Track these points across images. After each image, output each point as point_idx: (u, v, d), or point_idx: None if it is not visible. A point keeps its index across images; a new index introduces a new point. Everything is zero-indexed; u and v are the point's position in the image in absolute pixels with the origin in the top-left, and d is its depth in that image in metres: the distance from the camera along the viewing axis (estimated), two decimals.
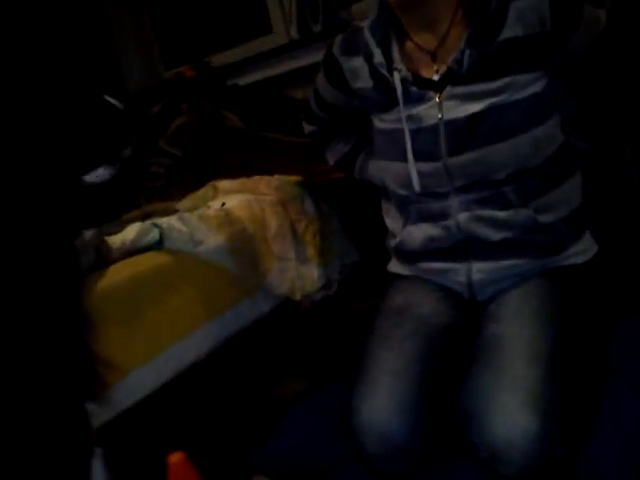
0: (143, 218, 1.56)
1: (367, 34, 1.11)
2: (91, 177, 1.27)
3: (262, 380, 1.66)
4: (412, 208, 1.15)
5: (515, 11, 0.98)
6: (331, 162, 1.43)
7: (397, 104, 1.08)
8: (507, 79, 1.01)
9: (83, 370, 1.08)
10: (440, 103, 1.05)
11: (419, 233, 1.15)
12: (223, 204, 1.66)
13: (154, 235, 1.37)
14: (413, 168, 1.08)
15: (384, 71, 1.09)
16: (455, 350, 1.07)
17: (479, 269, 1.11)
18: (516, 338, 0.98)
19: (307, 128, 1.44)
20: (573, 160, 1.14)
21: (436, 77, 1.06)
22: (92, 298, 1.16)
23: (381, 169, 1.19)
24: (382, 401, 0.98)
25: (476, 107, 1.02)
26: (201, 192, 1.87)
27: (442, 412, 1.01)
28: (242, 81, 2.25)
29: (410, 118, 1.07)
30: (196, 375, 1.37)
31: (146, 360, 1.23)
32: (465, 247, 1.11)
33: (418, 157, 1.07)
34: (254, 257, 1.52)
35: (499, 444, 0.87)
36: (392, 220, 1.23)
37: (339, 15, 2.08)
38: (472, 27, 1.01)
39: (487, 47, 1.00)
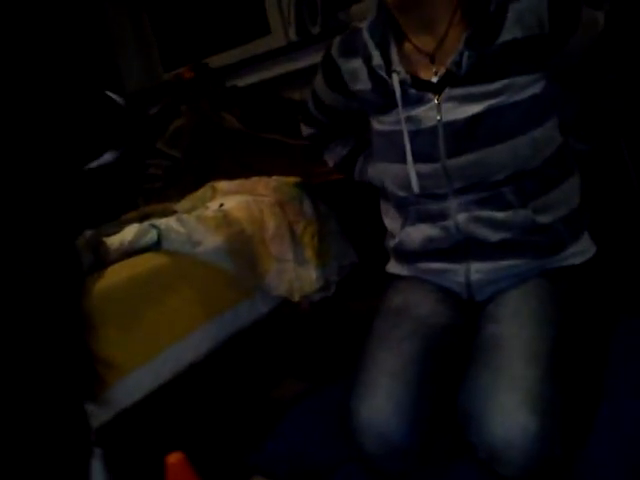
0: (141, 219, 1.56)
1: (366, 35, 1.12)
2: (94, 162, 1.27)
3: (260, 381, 1.66)
4: (411, 209, 1.15)
5: (514, 13, 0.99)
6: (330, 164, 1.43)
7: (396, 106, 1.08)
8: (506, 81, 1.01)
9: (82, 370, 1.08)
10: (439, 105, 1.05)
11: (418, 234, 1.15)
12: (221, 205, 1.66)
13: (152, 236, 1.37)
14: (412, 170, 1.08)
15: (383, 73, 1.09)
16: (454, 350, 1.07)
17: (477, 269, 1.11)
18: (515, 339, 0.98)
19: (305, 130, 1.43)
20: (571, 161, 1.14)
21: (435, 79, 1.06)
22: (91, 299, 1.16)
23: (380, 171, 1.19)
24: (381, 402, 0.98)
25: (475, 109, 1.02)
26: (199, 193, 1.87)
27: (441, 412, 1.01)
28: (241, 83, 2.25)
29: (409, 120, 1.08)
30: (195, 376, 1.37)
31: (145, 361, 1.23)
32: (464, 248, 1.11)
33: (417, 159, 1.07)
34: (252, 258, 1.52)
35: (498, 444, 0.87)
36: (391, 220, 1.23)
37: (338, 17, 2.09)
38: (471, 29, 1.01)
39: (486, 49, 1.00)
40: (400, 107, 1.07)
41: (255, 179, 1.83)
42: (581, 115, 1.17)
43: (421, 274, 1.20)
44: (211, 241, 1.45)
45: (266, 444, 1.23)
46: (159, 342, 1.28)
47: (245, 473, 1.20)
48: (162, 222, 1.44)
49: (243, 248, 1.51)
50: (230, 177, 1.90)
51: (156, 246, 1.38)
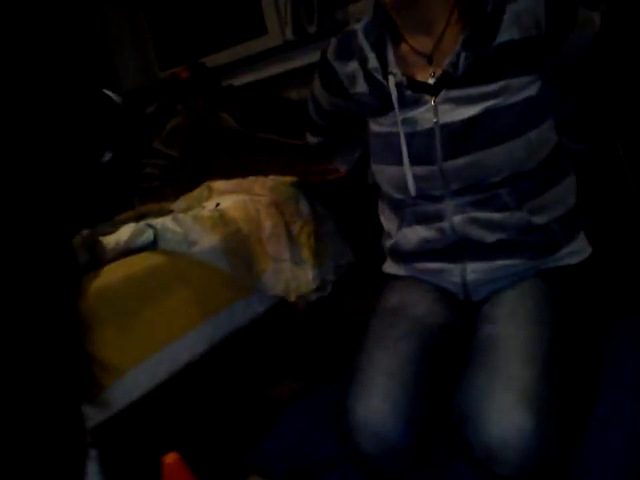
0: (137, 219, 1.55)
1: (361, 37, 1.11)
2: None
3: (257, 381, 1.66)
4: (407, 211, 1.15)
5: (511, 14, 0.99)
6: (343, 171, 1.42)
7: (392, 108, 1.08)
8: (502, 82, 1.01)
9: (78, 371, 1.08)
10: (435, 107, 1.05)
11: (414, 235, 1.15)
12: (218, 205, 1.65)
13: (148, 236, 1.37)
14: (409, 172, 1.08)
15: (379, 76, 1.09)
16: (450, 351, 1.07)
17: (473, 269, 1.11)
18: (511, 339, 0.98)
19: (311, 140, 1.43)
20: (567, 162, 1.14)
21: (431, 81, 1.06)
22: (86, 298, 1.15)
23: (376, 172, 1.19)
24: (377, 401, 0.98)
25: (471, 111, 1.02)
26: (196, 193, 1.86)
27: (437, 412, 1.01)
28: (237, 82, 2.25)
29: (405, 122, 1.07)
30: (191, 376, 1.37)
31: (140, 360, 1.23)
32: (459, 248, 1.11)
33: (413, 161, 1.07)
34: (249, 258, 1.52)
35: (494, 444, 0.87)
36: (387, 221, 1.23)
37: (334, 16, 2.08)
38: (468, 30, 1.01)
39: (483, 50, 1.00)
40: (396, 109, 1.07)
41: (251, 179, 1.83)
42: (577, 115, 1.17)
43: (418, 274, 1.20)
44: (207, 241, 1.44)
45: (263, 444, 1.24)
46: (155, 342, 1.27)
47: (242, 473, 1.21)
48: (158, 222, 1.43)
49: (239, 248, 1.51)
50: (226, 177, 1.90)
51: (152, 246, 1.37)
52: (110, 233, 1.38)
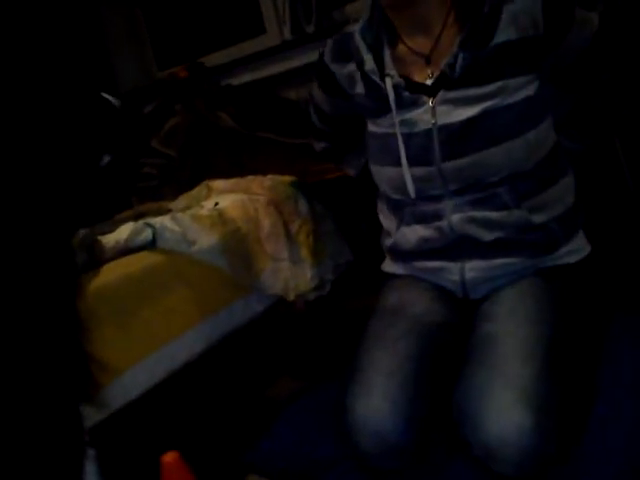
0: (136, 218, 1.55)
1: (357, 38, 1.11)
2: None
3: (256, 380, 1.66)
4: (406, 211, 1.15)
5: (508, 14, 0.99)
6: (352, 175, 1.41)
7: (390, 110, 1.08)
8: (500, 83, 1.01)
9: (76, 370, 1.07)
10: (433, 108, 1.05)
11: (413, 234, 1.15)
12: (216, 204, 1.65)
13: (147, 235, 1.37)
14: (407, 173, 1.08)
15: (376, 78, 1.08)
16: (449, 349, 1.07)
17: (472, 267, 1.11)
18: (510, 337, 0.98)
19: (317, 145, 1.42)
20: (565, 161, 1.14)
21: (429, 82, 1.06)
22: (85, 298, 1.15)
23: (375, 173, 1.19)
24: (376, 400, 0.98)
25: (470, 112, 1.02)
26: (194, 192, 1.86)
27: (436, 411, 1.01)
28: (235, 81, 2.25)
29: (403, 123, 1.07)
30: (190, 375, 1.37)
31: (139, 360, 1.23)
32: (458, 247, 1.11)
33: (412, 162, 1.07)
34: (247, 257, 1.52)
35: (493, 442, 0.87)
36: (386, 220, 1.23)
37: (332, 16, 2.09)
38: (465, 30, 1.01)
39: (481, 51, 1.00)
40: (394, 111, 1.07)
41: (250, 178, 1.83)
42: (575, 115, 1.17)
43: (416, 273, 1.20)
44: (206, 240, 1.44)
45: (261, 443, 1.23)
46: (154, 341, 1.27)
47: (240, 472, 1.20)
48: (157, 221, 1.43)
49: (238, 247, 1.50)
50: (225, 176, 1.90)
51: (151, 245, 1.37)
52: (109, 232, 1.38)
